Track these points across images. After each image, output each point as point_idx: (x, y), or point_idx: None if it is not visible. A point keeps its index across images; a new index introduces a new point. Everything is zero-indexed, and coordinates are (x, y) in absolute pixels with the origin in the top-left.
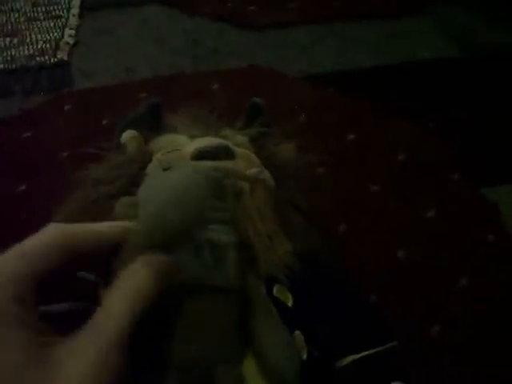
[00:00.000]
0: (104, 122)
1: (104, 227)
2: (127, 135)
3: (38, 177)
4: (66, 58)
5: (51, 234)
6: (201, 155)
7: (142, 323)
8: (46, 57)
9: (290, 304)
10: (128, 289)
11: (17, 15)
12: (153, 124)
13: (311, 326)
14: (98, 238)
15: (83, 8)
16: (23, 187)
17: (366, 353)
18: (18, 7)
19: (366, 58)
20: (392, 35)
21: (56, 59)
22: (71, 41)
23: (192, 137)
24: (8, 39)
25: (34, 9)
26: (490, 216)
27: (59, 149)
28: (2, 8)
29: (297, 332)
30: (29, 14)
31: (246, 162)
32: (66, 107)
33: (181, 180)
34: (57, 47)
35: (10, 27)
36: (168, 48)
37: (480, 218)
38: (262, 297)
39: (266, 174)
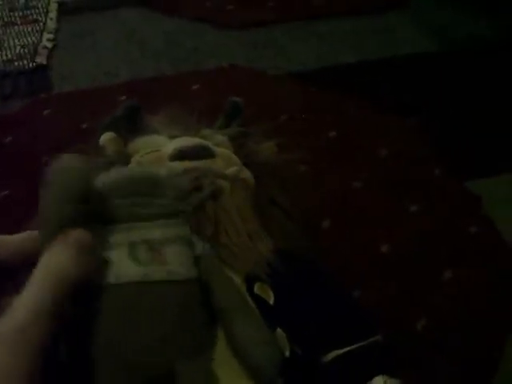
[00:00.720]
0: (84, 125)
1: (16, 238)
2: (106, 137)
3: (20, 181)
4: (44, 62)
5: None
6: (180, 155)
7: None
8: (25, 61)
9: (271, 302)
10: (49, 265)
11: None
12: (132, 126)
13: (293, 324)
14: (10, 248)
15: (61, 12)
16: (6, 192)
17: (350, 348)
18: None
19: (346, 55)
20: (372, 31)
21: (35, 63)
22: (49, 45)
23: (171, 137)
24: None
25: (11, 13)
26: (473, 209)
27: (40, 153)
28: None
29: (278, 330)
30: (5, 19)
31: (226, 162)
32: (46, 111)
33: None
34: (35, 51)
35: None
36: (148, 50)
37: (463, 210)
38: (240, 294)
39: (246, 173)
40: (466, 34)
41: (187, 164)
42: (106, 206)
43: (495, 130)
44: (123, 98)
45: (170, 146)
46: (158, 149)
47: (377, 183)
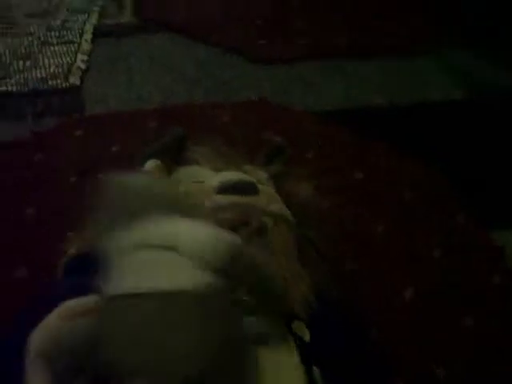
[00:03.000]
0: (114, 148)
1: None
2: (151, 164)
3: (47, 199)
4: (77, 82)
5: None
6: (226, 189)
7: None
8: (58, 81)
9: (306, 339)
10: None
11: (30, 39)
12: (176, 154)
13: (324, 362)
14: None
15: (96, 34)
16: (31, 210)
17: None
18: (32, 31)
19: (373, 97)
20: (399, 75)
21: (68, 84)
22: (83, 66)
23: (215, 170)
24: (21, 62)
25: (48, 33)
26: (496, 258)
27: (69, 173)
28: (17, 31)
29: (314, 368)
30: (42, 39)
31: (269, 199)
32: (77, 132)
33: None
34: (69, 72)
35: (23, 50)
36: (179, 77)
37: (486, 259)
38: (279, 335)
39: (287, 211)
40: (492, 83)
41: (233, 198)
42: None
43: None
44: (154, 123)
45: (215, 178)
46: (203, 180)
47: (400, 227)
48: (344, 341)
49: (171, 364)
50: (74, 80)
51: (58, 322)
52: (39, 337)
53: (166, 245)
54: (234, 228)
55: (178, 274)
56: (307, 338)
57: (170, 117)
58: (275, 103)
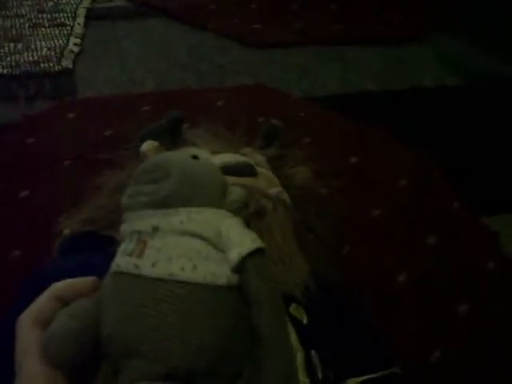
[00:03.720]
0: (106, 132)
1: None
2: (148, 145)
3: (40, 182)
4: (70, 65)
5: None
6: (226, 170)
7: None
8: (51, 64)
9: (304, 321)
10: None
11: (22, 21)
12: (173, 137)
13: (322, 347)
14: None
15: (89, 17)
16: (26, 192)
17: (368, 377)
18: (24, 13)
19: (369, 83)
20: (394, 61)
21: (60, 67)
22: (76, 49)
23: (213, 152)
24: (12, 44)
25: (40, 15)
26: (491, 244)
27: (61, 156)
28: (7, 13)
29: (313, 351)
30: (34, 21)
31: (267, 182)
32: (70, 115)
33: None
34: (61, 55)
35: (14, 33)
36: (173, 62)
37: (480, 245)
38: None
39: (285, 195)
40: (485, 69)
41: (233, 179)
42: None
43: None
44: (148, 107)
45: (213, 160)
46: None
47: (396, 213)
48: (342, 324)
49: (170, 352)
50: (67, 63)
51: (52, 303)
52: (30, 319)
53: (204, 235)
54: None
55: (204, 265)
56: (305, 321)
57: (164, 101)
58: (272, 88)
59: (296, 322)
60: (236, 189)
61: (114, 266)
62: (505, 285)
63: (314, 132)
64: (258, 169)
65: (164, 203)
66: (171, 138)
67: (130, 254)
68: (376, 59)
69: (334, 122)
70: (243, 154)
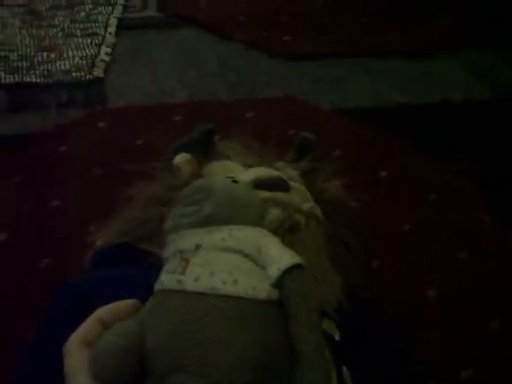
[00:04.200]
0: (137, 142)
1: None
2: (181, 158)
3: (72, 191)
4: (101, 75)
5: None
6: (259, 185)
7: None
8: (82, 73)
9: (336, 338)
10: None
11: (55, 30)
12: (205, 149)
13: (355, 364)
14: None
15: (120, 27)
16: (57, 201)
17: None
18: (57, 23)
19: (398, 96)
20: (424, 74)
21: (91, 76)
22: (107, 58)
23: (246, 165)
24: (45, 54)
25: (72, 25)
26: None
27: (92, 165)
28: (41, 23)
29: (344, 368)
30: (66, 30)
31: (300, 196)
32: (100, 124)
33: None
34: (93, 64)
35: (47, 42)
36: (203, 72)
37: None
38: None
39: (318, 210)
40: None
41: (266, 194)
42: None
43: None
44: (178, 117)
45: (247, 174)
46: (234, 176)
47: (426, 227)
48: (374, 341)
49: (214, 366)
50: (98, 72)
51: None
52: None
53: (245, 251)
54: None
55: (245, 280)
56: (337, 337)
57: (194, 111)
58: (302, 100)
59: (328, 338)
60: (274, 210)
61: (157, 285)
62: None
63: (343, 145)
64: (291, 183)
65: (206, 222)
66: (204, 150)
67: (173, 272)
68: (405, 72)
69: (364, 134)
70: (276, 168)
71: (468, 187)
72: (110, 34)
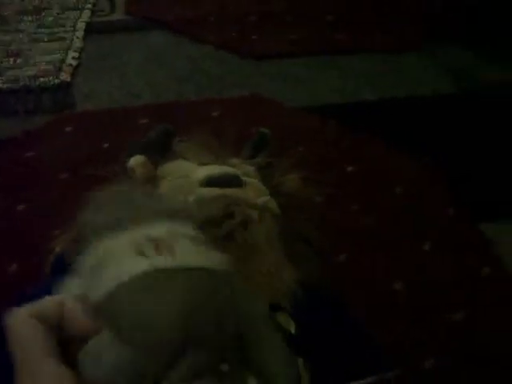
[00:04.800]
0: (105, 145)
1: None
2: (135, 160)
3: (38, 196)
4: (68, 79)
5: None
6: (211, 182)
7: None
8: (49, 78)
9: (292, 331)
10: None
11: (21, 36)
12: (161, 150)
13: (312, 354)
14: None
15: (88, 31)
16: (23, 206)
17: (363, 381)
18: (23, 28)
19: (366, 92)
20: (392, 70)
21: (59, 80)
22: (74, 63)
23: (201, 164)
24: (12, 59)
25: (39, 30)
26: (486, 250)
27: (59, 170)
28: (7, 28)
29: (300, 360)
30: (33, 35)
31: (255, 191)
32: (68, 129)
33: None
34: (60, 69)
35: (14, 47)
36: (172, 74)
37: (475, 251)
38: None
39: (273, 204)
40: (482, 78)
41: (218, 191)
42: None
43: (509, 174)
44: (145, 120)
45: (200, 172)
46: (188, 174)
47: (390, 220)
48: (331, 332)
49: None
50: (65, 77)
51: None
52: None
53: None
54: (217, 221)
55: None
56: (293, 329)
57: (162, 113)
58: (268, 99)
59: (282, 331)
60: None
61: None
62: (500, 291)
63: (309, 142)
64: (246, 179)
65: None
66: (160, 151)
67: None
68: (373, 69)
69: (330, 131)
70: (231, 165)
71: (433, 180)
72: (77, 38)
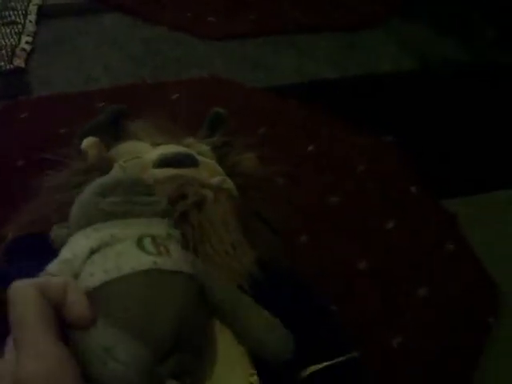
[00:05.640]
0: (62, 130)
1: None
2: (88, 142)
3: None
4: (22, 65)
5: None
6: (164, 162)
7: None
8: (2, 63)
9: None
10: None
11: None
12: (114, 131)
13: None
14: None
15: (41, 15)
16: None
17: (327, 363)
18: None
19: (325, 70)
20: (351, 47)
21: (12, 66)
22: (28, 47)
23: (155, 144)
24: None
25: None
26: (450, 226)
27: (16, 157)
28: None
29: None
30: None
31: (210, 171)
32: (23, 115)
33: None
34: (13, 54)
35: None
36: (128, 56)
37: (439, 228)
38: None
39: (229, 183)
40: (442, 54)
41: (171, 171)
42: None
43: (470, 150)
44: (102, 104)
45: (154, 152)
46: (141, 155)
47: (354, 199)
48: (296, 312)
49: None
50: (19, 62)
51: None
52: None
53: None
54: (170, 202)
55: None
56: None
57: (119, 96)
58: (227, 79)
59: None
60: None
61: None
62: (463, 265)
63: (269, 122)
64: (201, 158)
65: (161, 215)
66: (113, 132)
67: (152, 254)
68: (332, 46)
69: (290, 111)
70: (186, 145)
71: (396, 158)
72: (30, 22)
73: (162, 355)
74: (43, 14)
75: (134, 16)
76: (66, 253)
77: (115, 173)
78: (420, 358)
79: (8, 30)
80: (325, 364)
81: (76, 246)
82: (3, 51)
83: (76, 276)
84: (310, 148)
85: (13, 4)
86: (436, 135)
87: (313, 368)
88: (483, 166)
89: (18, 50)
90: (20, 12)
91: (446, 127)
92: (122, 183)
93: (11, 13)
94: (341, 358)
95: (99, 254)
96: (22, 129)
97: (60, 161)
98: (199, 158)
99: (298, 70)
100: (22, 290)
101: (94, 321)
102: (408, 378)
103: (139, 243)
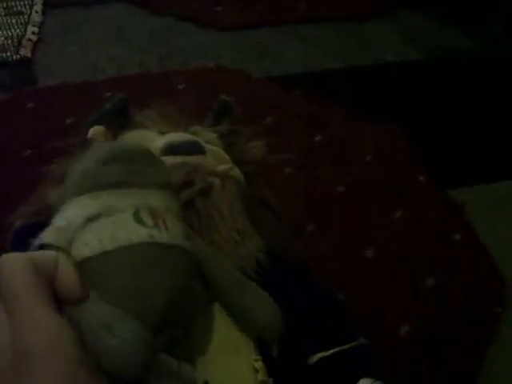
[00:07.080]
0: (68, 120)
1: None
2: (95, 131)
3: (2, 174)
4: (28, 55)
5: None
6: (171, 150)
7: None
8: (8, 53)
9: None
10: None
11: None
12: (121, 120)
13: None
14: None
15: (47, 5)
16: None
17: (335, 350)
18: None
19: (330, 61)
20: (356, 37)
21: (18, 56)
22: (34, 38)
23: (161, 133)
24: None
25: None
26: (457, 216)
27: (22, 146)
28: None
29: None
30: None
31: (216, 159)
32: (30, 105)
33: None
34: (19, 44)
35: None
36: (134, 47)
37: (447, 218)
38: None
39: (236, 171)
40: (447, 43)
41: (178, 159)
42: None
43: (478, 140)
44: (109, 93)
45: (161, 140)
46: (148, 143)
47: (361, 188)
48: (299, 303)
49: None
50: (25, 52)
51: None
52: None
53: None
54: (177, 189)
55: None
56: None
57: (125, 86)
58: (232, 69)
59: None
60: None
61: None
62: (471, 255)
63: (276, 112)
64: (208, 146)
65: (162, 186)
66: (119, 120)
67: (149, 227)
68: (337, 37)
69: (297, 101)
70: (193, 133)
71: (403, 148)
72: (36, 12)
73: (156, 329)
74: (49, 4)
75: (140, 6)
76: (60, 220)
77: (117, 142)
78: (427, 346)
79: (14, 21)
80: (332, 351)
81: (71, 214)
82: (9, 41)
83: (70, 244)
84: (317, 138)
85: None
86: (442, 125)
87: (320, 355)
88: (491, 156)
89: (24, 41)
90: (26, 2)
91: (453, 117)
92: (124, 152)
93: (17, 3)
94: (348, 345)
95: (95, 223)
96: (28, 119)
97: (66, 150)
98: (206, 145)
99: (304, 59)
100: (12, 260)
101: (86, 296)
102: (415, 366)
103: (136, 215)
